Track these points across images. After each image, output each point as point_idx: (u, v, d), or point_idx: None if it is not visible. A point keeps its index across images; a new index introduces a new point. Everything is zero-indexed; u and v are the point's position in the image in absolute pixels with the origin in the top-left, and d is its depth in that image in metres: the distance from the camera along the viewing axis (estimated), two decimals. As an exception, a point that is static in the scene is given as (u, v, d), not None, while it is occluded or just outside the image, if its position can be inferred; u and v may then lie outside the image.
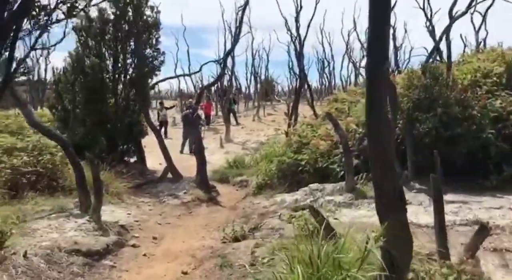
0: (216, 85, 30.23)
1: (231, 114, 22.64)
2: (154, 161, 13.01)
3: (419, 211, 6.36)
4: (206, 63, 15.28)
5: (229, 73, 25.36)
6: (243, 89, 37.84)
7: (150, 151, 14.10)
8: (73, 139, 10.50)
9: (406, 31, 29.88)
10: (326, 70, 34.62)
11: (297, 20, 12.80)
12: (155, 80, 12.45)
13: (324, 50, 33.33)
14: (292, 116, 13.52)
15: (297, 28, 12.87)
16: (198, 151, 10.25)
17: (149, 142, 13.73)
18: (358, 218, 6.40)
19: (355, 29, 27.39)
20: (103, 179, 8.67)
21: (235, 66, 25.04)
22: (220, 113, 27.99)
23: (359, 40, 24.86)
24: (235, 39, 9.81)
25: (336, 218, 5.70)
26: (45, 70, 31.75)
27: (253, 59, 31.68)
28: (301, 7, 12.82)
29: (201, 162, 10.04)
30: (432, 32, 12.63)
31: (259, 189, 9.18)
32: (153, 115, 24.34)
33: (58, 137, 6.71)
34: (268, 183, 9.12)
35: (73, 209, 6.69)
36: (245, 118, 25.44)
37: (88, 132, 11.15)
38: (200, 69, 11.47)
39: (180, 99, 32.90)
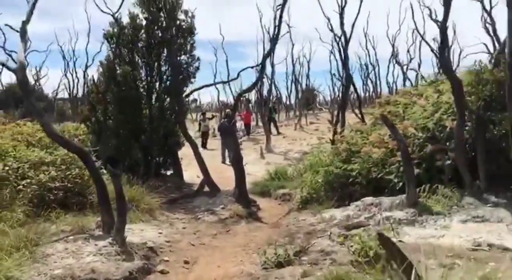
0: (255, 95, 29.65)
1: (272, 123, 21.79)
2: (193, 174, 12.29)
3: (501, 230, 5.25)
4: (244, 69, 14.63)
5: (269, 81, 24.59)
6: (283, 99, 36.97)
7: (188, 163, 13.47)
8: (105, 152, 10.02)
9: (455, 33, 27.64)
10: (371, 75, 33.10)
11: (341, 15, 11.78)
12: (191, 88, 11.78)
13: (368, 54, 31.78)
14: (337, 123, 12.49)
15: (341, 24, 11.84)
16: (236, 161, 9.41)
17: (187, 153, 13.10)
18: (424, 238, 5.36)
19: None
20: (134, 195, 8.10)
21: (274, 74, 24.23)
22: (260, 123, 27.26)
23: (416, 29, 21.86)
24: (274, 38, 8.96)
25: (400, 241, 4.70)
26: (84, 85, 32.09)
27: (293, 65, 30.69)
28: (345, 2, 11.87)
29: (240, 174, 9.21)
30: (492, 25, 11.43)
31: (304, 204, 8.25)
32: (194, 127, 24.00)
33: (77, 147, 6.03)
34: (314, 197, 8.16)
35: (94, 230, 5.97)
36: (286, 128, 24.51)
37: (121, 144, 10.60)
38: (238, 76, 10.82)
39: (221, 111, 32.41)
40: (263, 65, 9.35)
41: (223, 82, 20.33)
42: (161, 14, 10.77)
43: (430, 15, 15.20)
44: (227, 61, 26.73)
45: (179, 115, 11.11)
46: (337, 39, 12.77)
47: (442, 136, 6.84)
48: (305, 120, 24.86)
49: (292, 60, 29.98)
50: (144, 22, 10.79)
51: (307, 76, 33.09)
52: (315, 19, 36.31)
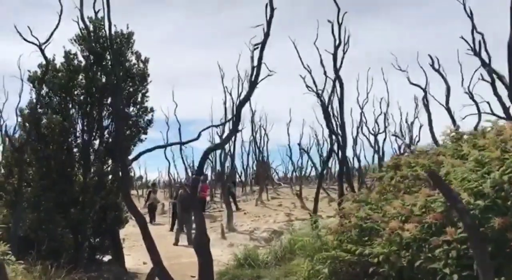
0: (211, 166, 27.47)
1: (231, 198, 19.39)
2: (139, 259, 10.02)
3: None
4: (207, 128, 12.73)
5: (230, 151, 22.62)
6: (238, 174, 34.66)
7: (131, 246, 11.19)
8: (16, 230, 7.31)
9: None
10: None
11: (335, 56, 9.94)
12: (140, 148, 9.41)
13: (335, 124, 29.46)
14: (317, 196, 10.32)
15: (335, 66, 9.97)
16: (199, 243, 6.92)
17: (131, 232, 10.86)
18: None
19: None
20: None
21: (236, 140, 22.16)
22: (215, 198, 24.78)
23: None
24: (253, 82, 6.95)
25: None
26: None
27: (254, 133, 28.54)
28: (340, 40, 10.15)
29: (205, 261, 6.70)
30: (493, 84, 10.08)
31: (302, 305, 5.78)
32: (139, 204, 21.22)
33: None
34: (317, 295, 5.73)
35: None
36: (245, 203, 22.14)
37: (42, 220, 7.90)
38: (199, 136, 8.89)
39: (170, 187, 29.67)
40: (238, 113, 7.23)
41: (179, 143, 17.84)
42: (107, 55, 8.63)
43: (409, 79, 14.00)
44: (179, 129, 24.43)
45: (123, 182, 8.55)
46: (321, 90, 11.03)
47: (509, 205, 4.77)
48: (266, 195, 22.68)
49: (253, 129, 27.84)
50: (83, 63, 8.57)
51: (266, 149, 31.02)
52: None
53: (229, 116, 20.03)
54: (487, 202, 4.95)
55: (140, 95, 9.01)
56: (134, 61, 9.03)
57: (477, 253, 4.10)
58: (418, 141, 23.68)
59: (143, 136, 9.06)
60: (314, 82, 11.69)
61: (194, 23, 45.57)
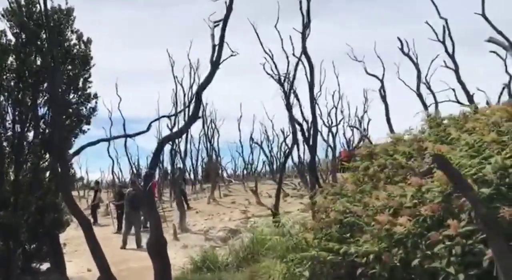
0: (158, 165, 26.21)
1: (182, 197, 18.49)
2: (82, 265, 9.44)
3: None
4: (158, 119, 11.64)
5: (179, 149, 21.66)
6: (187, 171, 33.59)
7: (73, 251, 10.39)
8: None
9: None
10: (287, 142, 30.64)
11: (303, 36, 9.18)
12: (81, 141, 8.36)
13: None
14: (279, 191, 9.63)
15: (303, 43, 9.10)
16: (156, 247, 6.08)
17: (72, 236, 10.02)
18: None
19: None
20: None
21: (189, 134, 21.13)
22: (163, 198, 23.70)
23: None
24: (215, 63, 6.15)
25: None
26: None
27: (206, 128, 27.64)
28: (309, 19, 9.36)
29: (163, 266, 5.94)
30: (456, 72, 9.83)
31: (277, 314, 5.06)
32: (81, 204, 19.85)
33: None
34: (293, 301, 5.03)
35: None
36: (196, 202, 21.33)
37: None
38: (149, 128, 8.09)
39: (113, 187, 28.22)
40: (199, 96, 6.38)
41: (126, 136, 16.54)
42: (42, 33, 7.52)
43: (366, 69, 13.75)
44: (124, 124, 23.07)
45: (63, 179, 7.49)
46: (284, 74, 10.40)
47: (514, 193, 4.25)
48: (217, 193, 21.90)
49: (204, 122, 26.71)
50: (13, 42, 7.44)
51: (217, 145, 30.17)
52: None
53: (180, 107, 19.06)
54: (491, 190, 4.42)
55: (81, 80, 7.98)
56: (74, 41, 7.99)
57: (495, 248, 3.51)
58: (367, 134, 23.83)
59: (85, 127, 8.07)
60: (276, 67, 11.11)
61: (139, 19, 43.68)
